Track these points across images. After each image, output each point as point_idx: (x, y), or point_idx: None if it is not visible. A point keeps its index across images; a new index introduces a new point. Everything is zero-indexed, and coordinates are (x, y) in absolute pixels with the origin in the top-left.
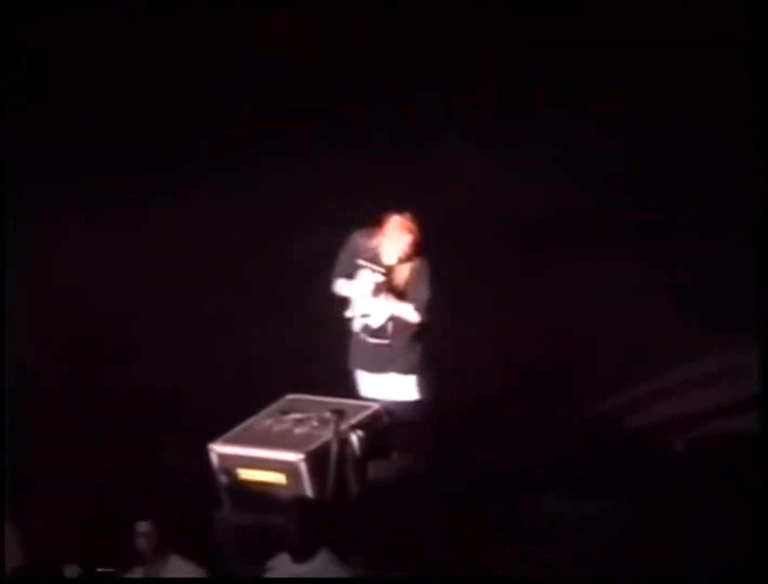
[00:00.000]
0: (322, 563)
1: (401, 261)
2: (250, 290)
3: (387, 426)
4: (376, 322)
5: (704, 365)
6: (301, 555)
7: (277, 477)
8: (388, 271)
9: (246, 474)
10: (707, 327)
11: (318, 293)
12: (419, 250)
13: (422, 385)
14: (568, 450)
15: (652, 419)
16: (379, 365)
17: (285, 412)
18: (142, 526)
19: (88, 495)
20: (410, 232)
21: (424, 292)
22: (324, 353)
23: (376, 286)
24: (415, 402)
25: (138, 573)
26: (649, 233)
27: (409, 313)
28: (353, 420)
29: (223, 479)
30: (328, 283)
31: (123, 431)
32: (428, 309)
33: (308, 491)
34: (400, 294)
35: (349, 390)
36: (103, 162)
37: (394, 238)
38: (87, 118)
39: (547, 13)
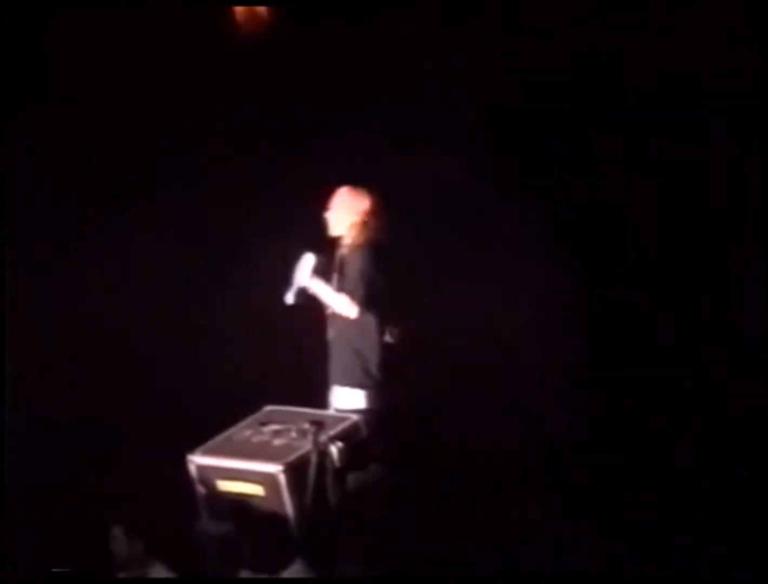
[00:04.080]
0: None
1: (350, 239)
2: (232, 300)
3: (366, 437)
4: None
5: (704, 362)
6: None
7: (256, 489)
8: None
9: (224, 485)
10: (708, 325)
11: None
12: (372, 233)
13: (373, 397)
14: (560, 450)
15: (651, 415)
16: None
17: (264, 423)
18: (117, 532)
19: (69, 502)
20: (360, 204)
21: (363, 282)
22: (304, 364)
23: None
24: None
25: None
26: (644, 228)
27: (344, 306)
28: (332, 432)
29: (202, 490)
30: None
31: (102, 440)
32: (367, 303)
33: (287, 502)
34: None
35: (329, 401)
36: (87, 168)
37: (341, 210)
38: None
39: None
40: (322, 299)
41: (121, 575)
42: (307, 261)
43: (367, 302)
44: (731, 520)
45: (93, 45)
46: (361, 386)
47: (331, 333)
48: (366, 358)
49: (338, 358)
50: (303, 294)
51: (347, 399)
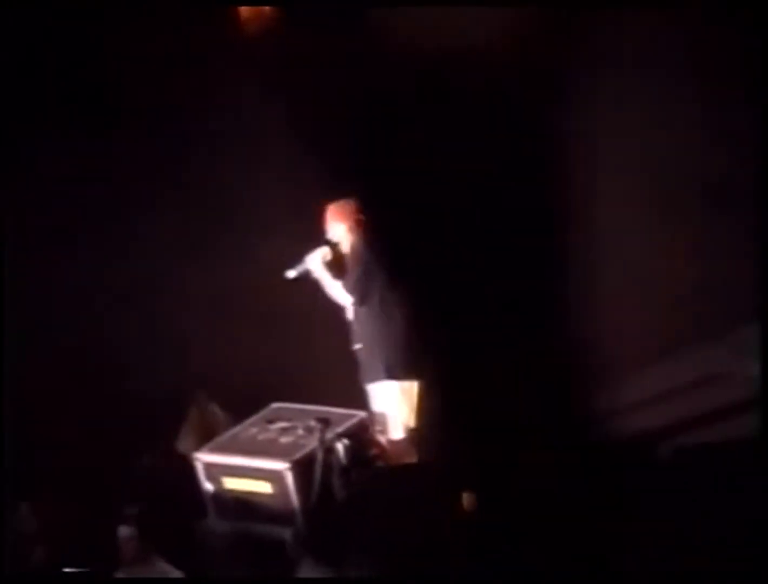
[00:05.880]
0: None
1: (350, 241)
2: (238, 298)
3: (372, 434)
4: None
5: (703, 365)
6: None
7: (263, 486)
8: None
9: (231, 483)
10: (707, 324)
11: (306, 301)
12: (362, 234)
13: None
14: (559, 453)
15: (649, 421)
16: (364, 374)
17: (270, 421)
18: (124, 531)
19: (73, 500)
20: (345, 218)
21: (353, 271)
22: (310, 362)
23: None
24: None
25: (121, 575)
26: (644, 227)
27: (341, 293)
28: (339, 429)
29: (209, 488)
30: (316, 290)
31: (108, 437)
32: (360, 290)
33: (294, 500)
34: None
35: (335, 398)
36: (84, 167)
37: (333, 222)
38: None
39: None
40: (323, 285)
41: (126, 573)
42: (322, 251)
43: (359, 292)
44: (731, 522)
45: (92, 44)
46: (391, 378)
47: (357, 344)
48: (392, 354)
49: (368, 360)
50: (306, 275)
51: (383, 392)
